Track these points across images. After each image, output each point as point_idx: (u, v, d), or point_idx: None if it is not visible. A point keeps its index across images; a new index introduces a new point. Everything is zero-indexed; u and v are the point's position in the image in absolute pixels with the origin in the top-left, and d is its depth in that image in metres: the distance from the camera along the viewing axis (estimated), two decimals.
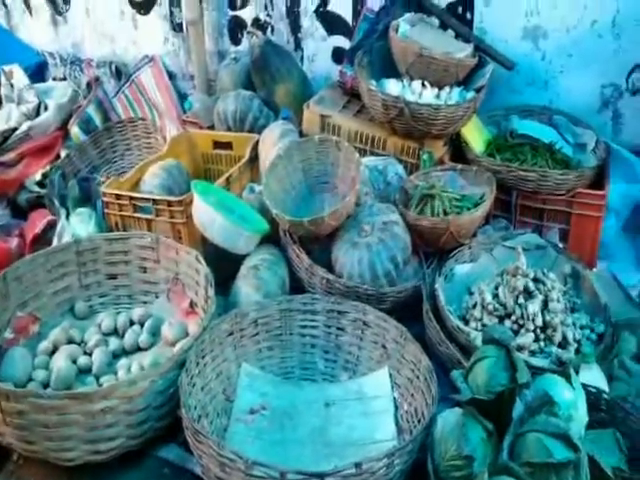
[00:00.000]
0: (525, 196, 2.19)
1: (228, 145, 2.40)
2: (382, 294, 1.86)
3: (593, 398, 1.52)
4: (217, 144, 2.42)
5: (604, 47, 2.36)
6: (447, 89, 2.32)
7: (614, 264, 2.25)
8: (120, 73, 3.16)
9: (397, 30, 2.33)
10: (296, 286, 1.95)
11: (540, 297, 1.78)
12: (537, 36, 2.44)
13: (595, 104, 2.44)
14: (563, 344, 1.75)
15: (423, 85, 2.30)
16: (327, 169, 2.09)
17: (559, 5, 2.37)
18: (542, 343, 1.74)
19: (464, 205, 2.06)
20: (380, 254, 1.87)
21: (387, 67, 2.36)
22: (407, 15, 2.40)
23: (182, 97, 3.08)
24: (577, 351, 1.74)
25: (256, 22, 2.82)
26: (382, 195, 2.12)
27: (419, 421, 1.54)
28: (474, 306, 1.85)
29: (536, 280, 1.84)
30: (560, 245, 2.17)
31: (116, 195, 2.07)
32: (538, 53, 2.46)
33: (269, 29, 2.81)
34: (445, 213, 2.02)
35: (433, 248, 2.03)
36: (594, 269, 2.19)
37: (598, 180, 2.22)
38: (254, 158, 2.29)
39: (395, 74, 2.36)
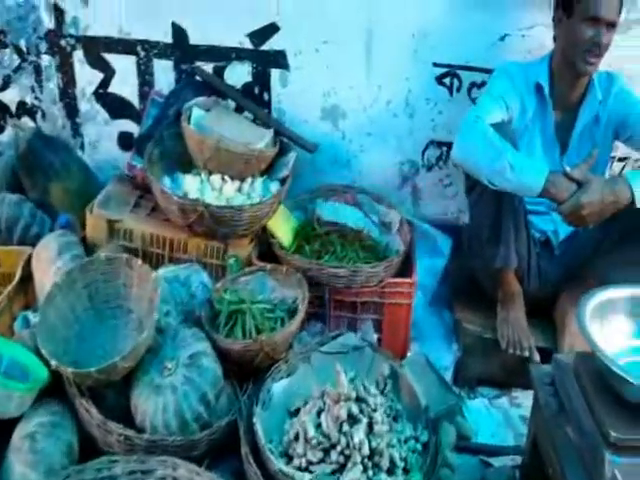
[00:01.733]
0: (338, 291, 2.13)
1: None
2: (193, 441, 1.63)
3: None
4: None
5: (400, 125, 2.41)
6: (249, 180, 2.17)
7: (426, 343, 2.30)
8: None
9: (190, 117, 2.12)
10: (89, 446, 1.63)
11: (364, 421, 1.68)
12: (336, 116, 2.42)
13: (395, 181, 2.50)
14: (391, 467, 1.67)
15: (223, 179, 2.11)
16: (118, 291, 1.80)
17: (355, 85, 2.36)
18: (370, 472, 1.64)
19: (277, 315, 1.92)
20: (188, 396, 1.63)
21: (182, 158, 2.15)
22: (200, 99, 2.20)
23: None
24: (405, 469, 1.68)
25: (22, 106, 2.44)
26: (186, 310, 1.89)
27: None
28: (296, 438, 1.69)
29: (359, 399, 1.74)
30: (375, 336, 2.16)
31: None
32: (338, 133, 2.44)
33: (39, 114, 2.44)
34: (257, 329, 1.85)
35: (247, 370, 1.84)
36: (408, 354, 2.22)
37: (406, 262, 2.23)
38: (27, 277, 1.91)
39: (192, 165, 2.15)
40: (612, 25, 1.90)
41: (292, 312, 1.94)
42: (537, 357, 2.05)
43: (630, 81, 2.11)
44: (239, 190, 2.14)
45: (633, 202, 1.80)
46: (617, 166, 2.40)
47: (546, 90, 2.04)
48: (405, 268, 2.21)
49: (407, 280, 2.15)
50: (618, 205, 1.81)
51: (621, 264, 1.99)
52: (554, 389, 1.59)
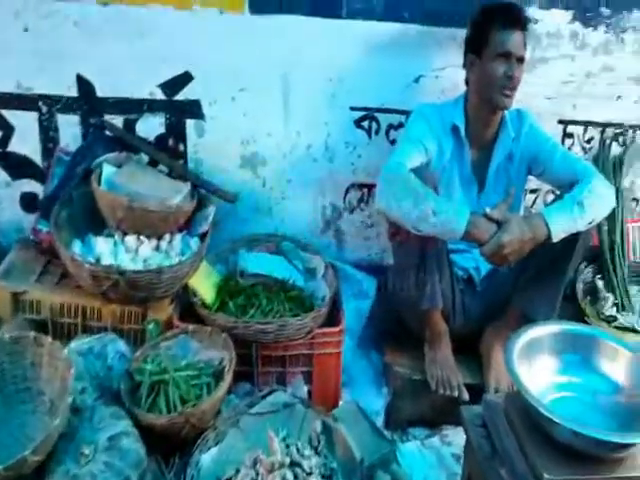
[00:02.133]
0: (265, 347, 2.04)
1: None
2: None
3: None
4: None
5: (320, 170, 2.40)
6: (167, 237, 2.07)
7: (356, 388, 2.26)
8: None
9: (100, 175, 2.01)
10: None
11: None
12: (256, 163, 2.37)
13: (318, 225, 2.48)
14: None
15: (139, 239, 2.00)
16: (26, 373, 1.66)
17: (273, 132, 2.33)
18: None
19: (203, 382, 1.81)
20: None
21: (93, 219, 2.02)
22: (110, 155, 2.09)
23: None
24: None
25: None
26: (104, 385, 1.77)
27: None
28: None
29: (293, 463, 1.67)
30: (306, 388, 2.10)
31: None
32: (259, 180, 2.39)
33: None
34: (182, 400, 1.74)
35: (173, 443, 1.73)
36: (340, 402, 2.16)
37: (333, 307, 2.17)
38: None
39: (104, 226, 2.03)
40: (521, 60, 1.97)
41: (219, 375, 1.84)
42: (466, 396, 2.05)
43: (539, 117, 2.18)
44: (157, 249, 2.03)
45: (549, 237, 1.84)
46: (529, 198, 2.48)
47: (462, 131, 2.07)
48: (332, 314, 2.16)
49: (335, 329, 2.10)
50: (536, 241, 1.84)
51: (538, 298, 2.04)
52: (486, 431, 1.57)
